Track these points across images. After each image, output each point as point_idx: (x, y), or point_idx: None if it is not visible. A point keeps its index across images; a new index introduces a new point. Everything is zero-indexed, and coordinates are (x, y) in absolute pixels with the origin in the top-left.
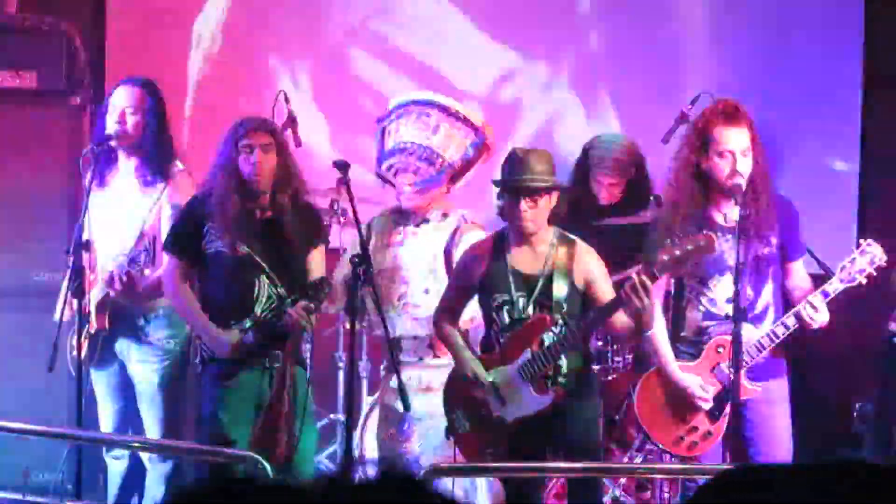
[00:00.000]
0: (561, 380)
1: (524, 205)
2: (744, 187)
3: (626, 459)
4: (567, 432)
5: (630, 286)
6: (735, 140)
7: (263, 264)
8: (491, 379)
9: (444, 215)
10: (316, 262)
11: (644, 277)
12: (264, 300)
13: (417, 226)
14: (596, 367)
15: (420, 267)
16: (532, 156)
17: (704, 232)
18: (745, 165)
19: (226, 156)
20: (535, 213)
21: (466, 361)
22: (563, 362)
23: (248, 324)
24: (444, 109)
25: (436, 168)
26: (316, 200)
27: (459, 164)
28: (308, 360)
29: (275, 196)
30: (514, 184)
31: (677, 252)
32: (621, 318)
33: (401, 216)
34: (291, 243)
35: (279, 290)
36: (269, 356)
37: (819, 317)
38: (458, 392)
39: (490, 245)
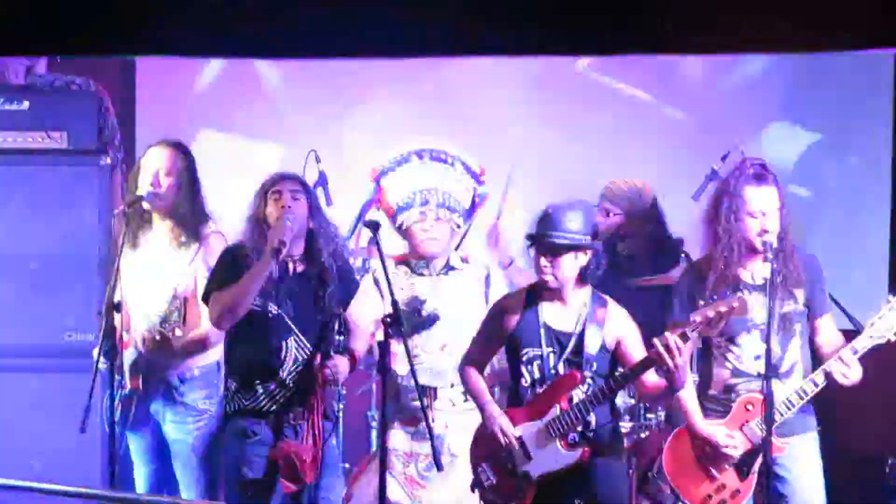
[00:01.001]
0: (589, 435)
1: (543, 261)
2: (773, 244)
3: None
4: (594, 489)
5: (663, 346)
6: (764, 199)
7: (293, 326)
8: (518, 434)
9: (464, 260)
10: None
11: (676, 337)
12: (290, 363)
13: (445, 273)
14: (629, 424)
15: (459, 313)
16: (562, 212)
17: (738, 294)
18: (774, 224)
19: (255, 206)
20: (557, 271)
21: (494, 417)
22: (592, 419)
23: (272, 386)
24: (447, 155)
25: (455, 212)
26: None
27: (469, 208)
28: (336, 414)
29: (311, 250)
30: (534, 239)
31: (710, 313)
32: (652, 378)
33: (420, 265)
34: (324, 301)
35: (307, 350)
36: (294, 412)
37: (851, 373)
38: (484, 445)
39: (523, 297)
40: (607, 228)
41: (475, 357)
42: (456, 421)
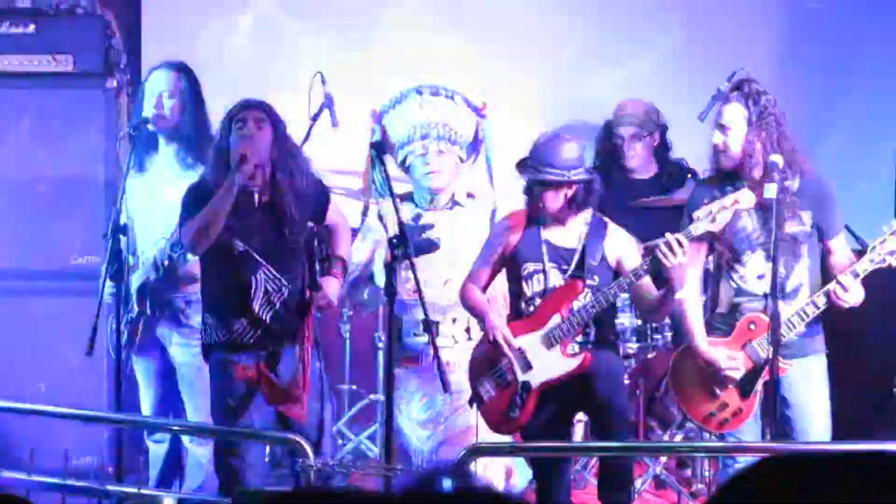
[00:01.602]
0: (588, 345)
1: (535, 191)
2: (724, 163)
3: (666, 437)
4: (593, 396)
5: (665, 243)
6: (725, 115)
7: (261, 260)
8: (518, 345)
9: (470, 196)
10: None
11: (679, 235)
12: (261, 296)
13: (451, 208)
14: (635, 345)
15: (463, 249)
16: (550, 147)
17: (743, 189)
18: (725, 140)
19: (219, 135)
20: (546, 201)
21: (495, 325)
22: (592, 330)
23: (245, 321)
24: (445, 90)
25: (456, 144)
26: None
27: (472, 142)
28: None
29: (274, 177)
30: (526, 172)
31: (714, 208)
32: (652, 289)
33: (426, 199)
34: (292, 227)
35: (278, 281)
36: (274, 342)
37: (849, 296)
38: (484, 359)
39: (524, 216)
40: (635, 158)
41: (477, 275)
42: (457, 359)
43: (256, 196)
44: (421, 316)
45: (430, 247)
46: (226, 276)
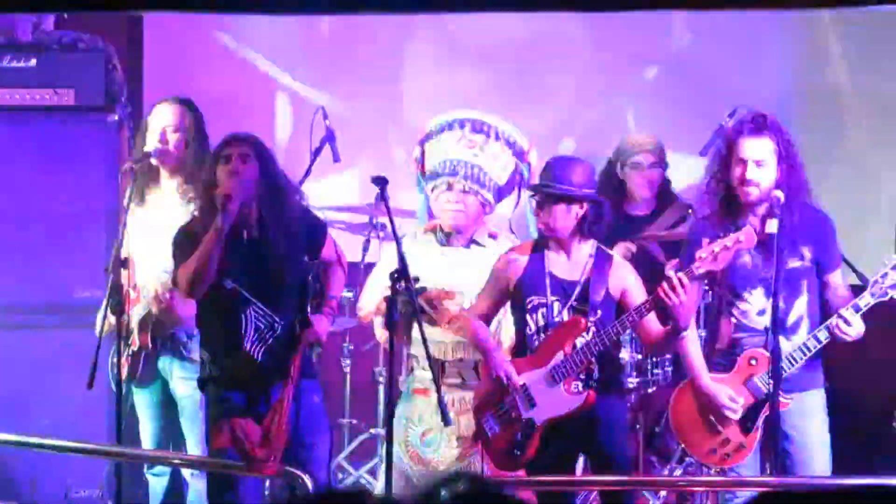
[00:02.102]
0: (592, 383)
1: (539, 210)
2: (754, 197)
3: (666, 472)
4: (595, 437)
5: (668, 283)
6: (753, 149)
7: (251, 298)
8: (522, 382)
9: (492, 236)
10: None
11: (681, 275)
12: (252, 333)
13: (467, 246)
14: (635, 380)
15: (473, 289)
16: (561, 165)
17: (745, 228)
18: (759, 176)
19: (206, 171)
20: (549, 219)
21: (499, 362)
22: (595, 368)
23: (238, 358)
24: (489, 129)
25: (485, 187)
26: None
27: (505, 185)
28: (317, 371)
29: (261, 213)
30: (534, 190)
31: (716, 248)
32: (655, 325)
33: (444, 236)
34: (282, 263)
35: (269, 318)
36: (266, 380)
37: (852, 330)
38: (488, 395)
39: (529, 248)
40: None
41: (480, 309)
42: (464, 398)
43: (245, 232)
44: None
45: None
46: (217, 313)
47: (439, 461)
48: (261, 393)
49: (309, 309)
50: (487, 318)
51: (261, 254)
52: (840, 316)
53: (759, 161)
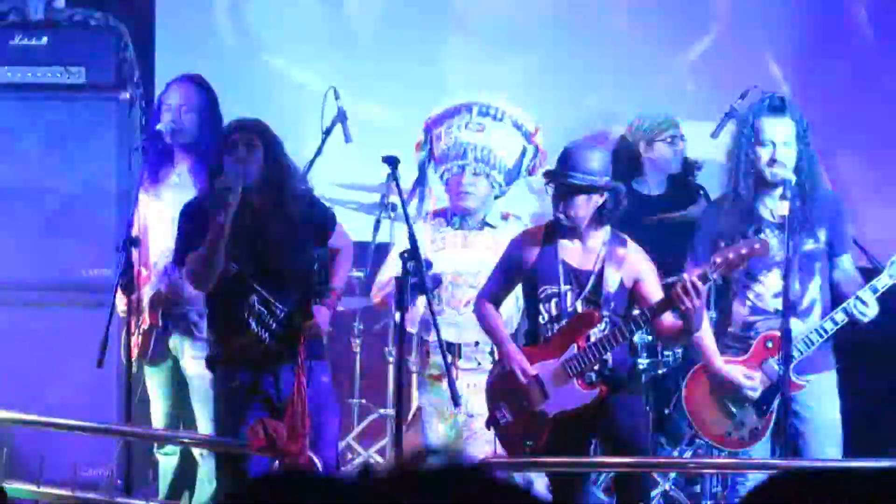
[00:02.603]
0: (606, 374)
1: (558, 200)
2: (788, 178)
3: (676, 454)
4: (612, 428)
5: (682, 287)
6: (777, 130)
7: (254, 284)
8: (535, 373)
9: (504, 217)
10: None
11: (695, 279)
12: (255, 321)
13: (479, 228)
14: (646, 361)
15: (487, 271)
16: (579, 154)
17: (760, 236)
18: (786, 156)
19: (213, 157)
20: (570, 210)
21: (512, 354)
22: (609, 357)
23: (243, 341)
24: (496, 111)
25: (495, 169)
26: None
27: (513, 167)
28: (324, 352)
29: (265, 200)
30: (554, 180)
31: (731, 255)
32: (669, 319)
33: (456, 219)
34: (285, 250)
35: (271, 304)
36: (272, 362)
37: (869, 311)
38: (501, 384)
39: (542, 234)
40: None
41: (492, 291)
42: (480, 381)
43: (250, 218)
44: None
45: (435, 283)
46: (222, 296)
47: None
48: (268, 373)
49: (313, 298)
50: (498, 301)
51: (264, 240)
52: (857, 297)
53: (781, 143)
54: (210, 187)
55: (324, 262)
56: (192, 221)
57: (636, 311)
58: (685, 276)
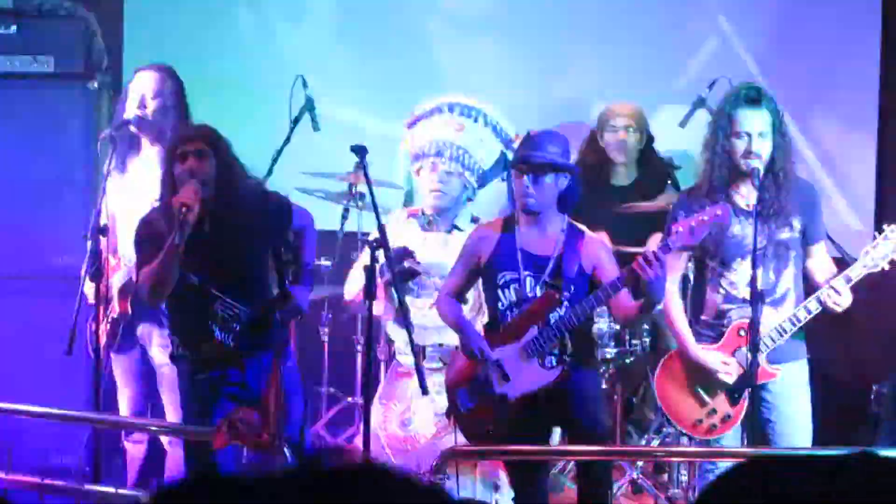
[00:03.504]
0: (566, 358)
1: (526, 180)
2: (760, 170)
3: (643, 442)
4: (570, 410)
5: (642, 257)
6: (752, 121)
7: (216, 292)
8: (496, 357)
9: (474, 220)
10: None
11: (656, 250)
12: (219, 328)
13: (448, 231)
14: (613, 350)
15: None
16: (543, 136)
17: (720, 203)
18: (762, 147)
19: (164, 169)
20: (539, 191)
21: (473, 337)
22: (569, 342)
23: (208, 347)
24: (477, 114)
25: (468, 170)
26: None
27: (488, 171)
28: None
29: (219, 208)
30: (519, 159)
31: (692, 223)
32: (627, 300)
33: (426, 220)
34: (243, 254)
35: (235, 308)
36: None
37: (843, 301)
38: (461, 371)
39: (500, 225)
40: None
41: (453, 285)
42: (443, 381)
43: (206, 227)
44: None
45: (409, 274)
46: (184, 305)
47: (416, 437)
48: (234, 367)
49: (287, 281)
50: (459, 294)
51: (222, 247)
52: (831, 286)
53: (762, 133)
54: (164, 200)
55: (292, 247)
56: (148, 236)
57: (597, 290)
58: (645, 249)
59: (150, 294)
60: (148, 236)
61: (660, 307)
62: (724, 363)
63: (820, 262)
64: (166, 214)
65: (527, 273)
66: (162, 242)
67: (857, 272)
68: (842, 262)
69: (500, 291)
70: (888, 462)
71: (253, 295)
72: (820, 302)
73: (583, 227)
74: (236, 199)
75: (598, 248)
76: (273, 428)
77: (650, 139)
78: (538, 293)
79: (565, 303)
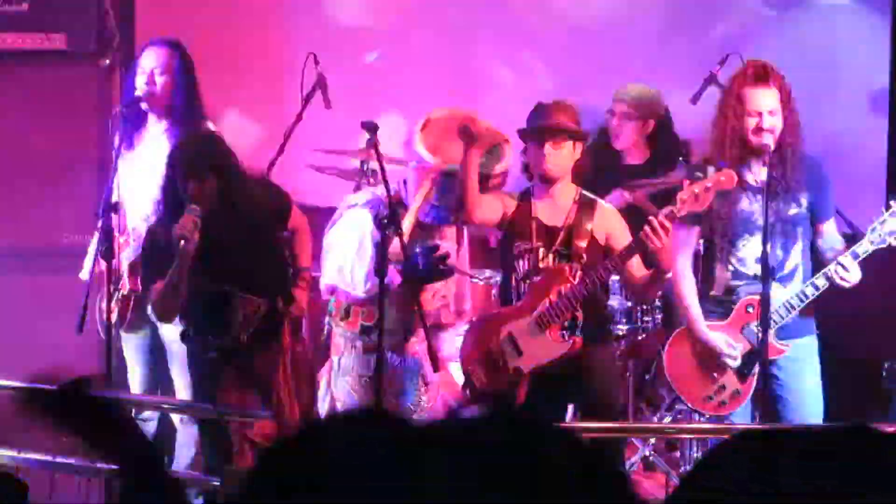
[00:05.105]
0: (578, 331)
1: (548, 148)
2: (771, 147)
3: (655, 419)
4: (585, 383)
5: (649, 225)
6: (762, 100)
7: (230, 290)
8: (508, 330)
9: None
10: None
11: (662, 218)
12: (240, 319)
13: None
14: (625, 327)
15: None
16: (557, 105)
17: (724, 169)
18: (772, 125)
19: (167, 173)
20: (559, 158)
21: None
22: (580, 315)
23: (223, 339)
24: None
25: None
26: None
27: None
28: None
29: (224, 214)
30: (538, 127)
31: (696, 189)
32: (639, 269)
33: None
34: (252, 250)
35: (255, 302)
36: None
37: (850, 277)
38: (474, 346)
39: (517, 195)
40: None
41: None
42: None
43: (216, 234)
44: None
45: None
46: (203, 302)
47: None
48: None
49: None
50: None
51: (235, 247)
52: (839, 263)
53: (771, 111)
54: (168, 204)
55: (288, 245)
56: (153, 250)
57: (608, 260)
58: (651, 217)
59: (160, 318)
60: (153, 250)
61: (668, 275)
62: (729, 345)
63: (830, 239)
64: (167, 224)
65: (539, 243)
66: (167, 254)
67: (864, 248)
68: (854, 239)
69: (515, 262)
70: (880, 435)
71: (267, 287)
72: (828, 278)
73: (595, 197)
74: (241, 202)
75: (610, 217)
76: (293, 421)
77: (662, 123)
78: (550, 262)
79: (578, 273)
